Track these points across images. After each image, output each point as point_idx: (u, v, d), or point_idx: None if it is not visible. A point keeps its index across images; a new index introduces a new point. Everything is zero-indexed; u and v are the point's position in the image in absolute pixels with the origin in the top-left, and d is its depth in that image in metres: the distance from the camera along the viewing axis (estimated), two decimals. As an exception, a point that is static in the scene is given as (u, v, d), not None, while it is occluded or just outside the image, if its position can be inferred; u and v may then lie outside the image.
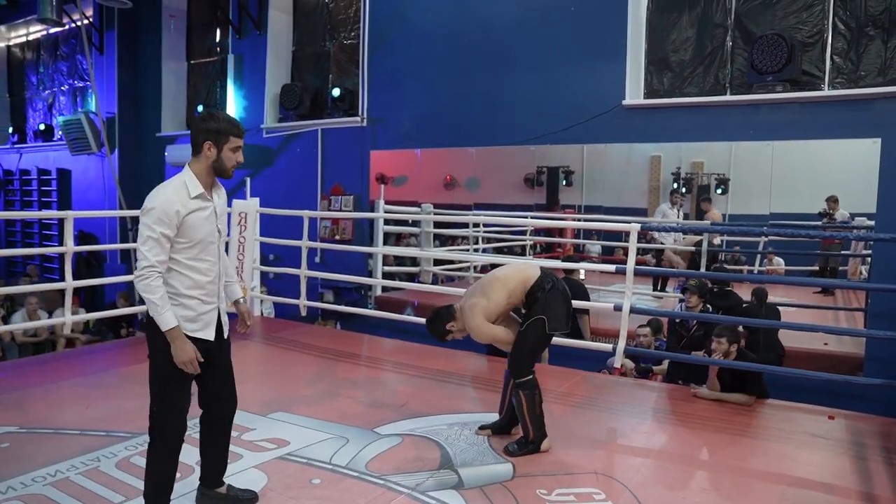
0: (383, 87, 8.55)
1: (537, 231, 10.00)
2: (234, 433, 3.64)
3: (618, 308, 5.05)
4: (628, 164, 8.72)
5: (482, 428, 3.79)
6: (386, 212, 8.47)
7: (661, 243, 8.19)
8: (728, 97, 6.44)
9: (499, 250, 10.15)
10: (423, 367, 5.27)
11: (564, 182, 9.17)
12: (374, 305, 8.29)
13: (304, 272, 6.74)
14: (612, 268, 5.40)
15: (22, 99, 14.18)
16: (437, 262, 9.18)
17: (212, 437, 2.82)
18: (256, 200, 7.11)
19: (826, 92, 5.99)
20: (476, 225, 9.55)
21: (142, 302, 2.70)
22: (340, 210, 8.84)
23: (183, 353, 2.49)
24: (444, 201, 9.51)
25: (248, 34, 9.92)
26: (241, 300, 2.99)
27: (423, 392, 4.62)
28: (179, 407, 2.61)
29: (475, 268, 9.03)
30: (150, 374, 2.61)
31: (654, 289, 8.22)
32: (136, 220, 2.41)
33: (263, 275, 7.85)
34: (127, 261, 10.89)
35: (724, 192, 8.19)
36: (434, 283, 8.99)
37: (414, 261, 9.30)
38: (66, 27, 11.62)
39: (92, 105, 11.52)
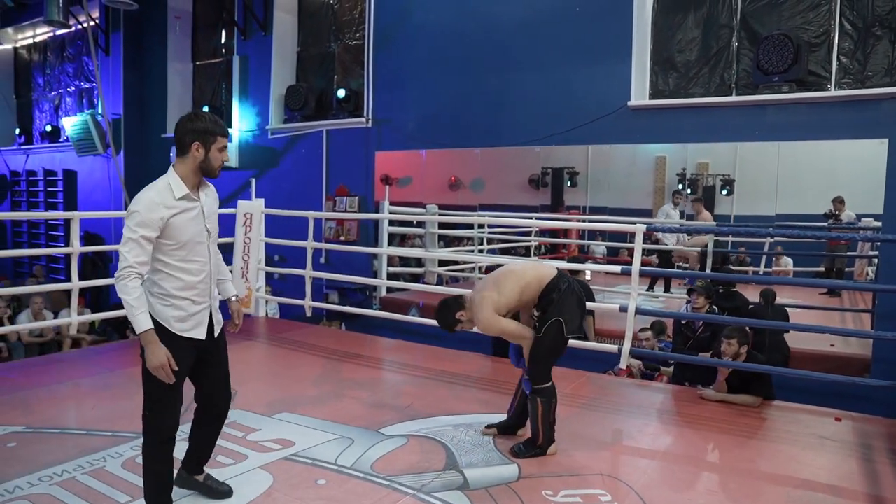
0: (388, 88, 8.56)
1: (542, 232, 10.01)
2: (238, 434, 3.69)
3: (623, 309, 5.04)
4: (633, 164, 8.72)
5: (488, 427, 3.77)
6: (391, 213, 8.48)
7: (665, 244, 8.16)
8: (734, 98, 6.41)
9: (504, 251, 10.15)
10: (428, 368, 5.27)
11: (569, 183, 9.17)
12: (378, 306, 8.30)
13: (308, 273, 6.74)
14: (617, 269, 5.38)
15: (28, 100, 14.24)
16: (442, 263, 9.18)
17: (202, 429, 2.85)
18: (261, 201, 7.12)
19: (833, 92, 5.96)
20: (481, 226, 9.56)
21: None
22: (345, 211, 8.84)
23: (155, 357, 2.45)
24: (448, 202, 9.53)
25: (254, 35, 9.94)
26: (234, 298, 2.93)
27: (427, 393, 4.62)
28: (172, 406, 2.61)
29: (480, 268, 9.03)
30: (142, 373, 2.58)
31: (650, 288, 8.20)
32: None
33: (268, 275, 7.86)
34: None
35: (730, 192, 8.18)
36: (439, 283, 9.00)
37: (419, 262, 9.31)
38: (73, 29, 11.64)
39: (98, 106, 11.56)
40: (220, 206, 2.96)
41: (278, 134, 9.69)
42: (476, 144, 8.28)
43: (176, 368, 2.49)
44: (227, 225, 5.76)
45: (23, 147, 13.90)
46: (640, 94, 6.83)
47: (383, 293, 8.56)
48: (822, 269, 7.91)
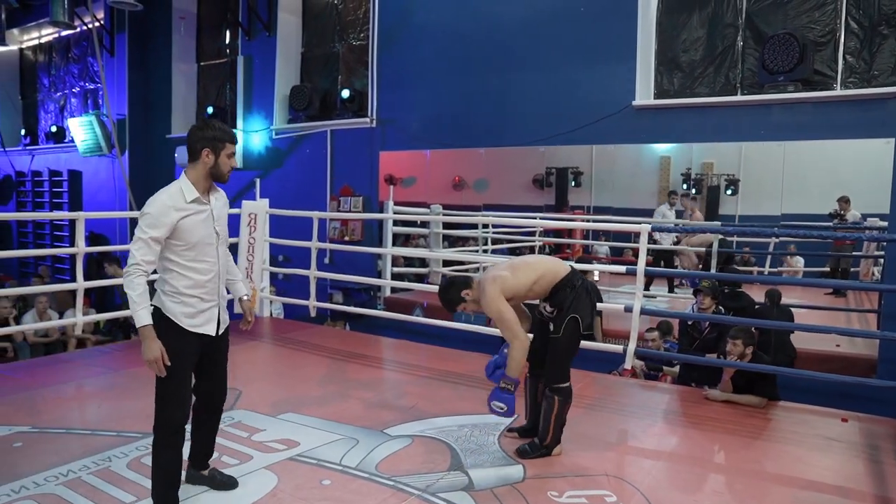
0: (392, 88, 8.56)
1: (546, 232, 9.99)
2: (243, 434, 3.70)
3: (628, 309, 5.03)
4: (638, 164, 8.70)
5: (509, 431, 3.76)
6: (395, 213, 8.47)
7: (660, 243, 8.10)
8: (739, 97, 6.39)
9: (508, 251, 10.14)
10: (433, 368, 5.27)
11: (573, 183, 9.16)
12: (383, 306, 8.30)
13: (313, 273, 6.74)
14: (622, 269, 5.37)
15: (34, 101, 14.29)
16: (446, 263, 9.17)
17: (202, 424, 2.98)
18: (266, 201, 7.13)
19: (838, 92, 5.93)
20: (485, 226, 9.55)
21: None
22: (350, 211, 8.84)
23: (149, 351, 2.60)
24: (453, 202, 9.52)
25: (258, 36, 9.95)
26: (245, 298, 3.11)
27: (432, 393, 4.62)
28: (181, 397, 2.75)
29: (484, 269, 9.01)
30: None
31: (647, 288, 8.16)
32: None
33: (273, 275, 7.86)
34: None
35: (735, 192, 8.15)
36: (443, 284, 8.97)
37: (423, 262, 9.30)
38: (78, 30, 11.68)
39: (103, 107, 11.59)
40: (225, 207, 3.04)
41: (283, 134, 9.70)
42: (480, 144, 8.28)
43: (168, 363, 2.63)
44: (231, 225, 5.74)
45: (28, 148, 13.94)
46: (644, 94, 6.82)
47: (388, 293, 8.56)
48: (828, 269, 7.88)
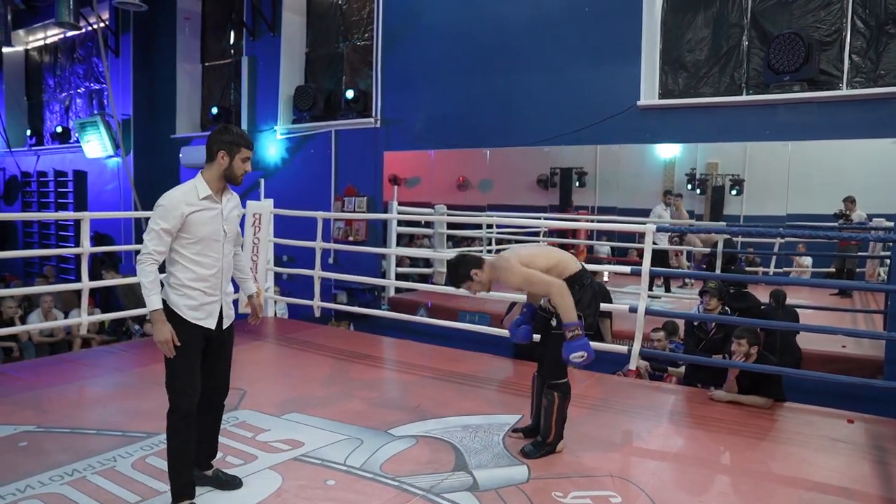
0: (397, 89, 8.56)
1: (550, 232, 9.98)
2: (248, 434, 3.70)
3: (633, 310, 5.02)
4: (642, 165, 8.68)
5: (514, 431, 3.78)
6: (399, 213, 8.47)
7: (657, 243, 8.05)
8: (744, 97, 6.37)
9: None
10: (437, 369, 5.26)
11: (578, 183, 9.15)
12: (387, 306, 8.29)
13: (317, 273, 6.75)
14: (626, 269, 5.36)
15: (39, 102, 14.34)
16: (450, 264, 9.15)
17: (204, 420, 2.99)
18: (270, 201, 7.14)
19: (844, 91, 5.91)
20: (489, 226, 9.54)
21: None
22: (354, 211, 8.85)
23: (160, 333, 2.74)
24: (457, 202, 9.52)
25: (262, 36, 9.96)
26: (254, 296, 3.25)
27: (436, 393, 4.61)
28: (190, 383, 2.83)
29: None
30: (164, 355, 2.83)
31: (650, 288, 8.14)
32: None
33: (277, 276, 7.87)
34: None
35: (740, 192, 8.13)
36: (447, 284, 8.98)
37: (427, 262, 9.30)
38: (83, 30, 11.70)
39: (108, 107, 11.62)
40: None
41: (287, 134, 9.71)
42: (484, 145, 8.28)
43: (178, 344, 2.75)
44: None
45: (34, 148, 13.99)
46: (649, 94, 6.80)
47: (392, 293, 8.56)
48: (833, 269, 7.84)
